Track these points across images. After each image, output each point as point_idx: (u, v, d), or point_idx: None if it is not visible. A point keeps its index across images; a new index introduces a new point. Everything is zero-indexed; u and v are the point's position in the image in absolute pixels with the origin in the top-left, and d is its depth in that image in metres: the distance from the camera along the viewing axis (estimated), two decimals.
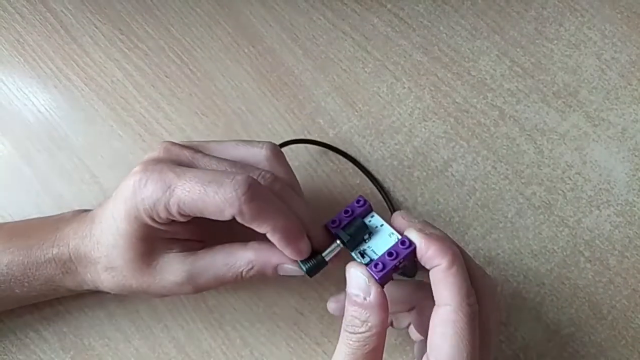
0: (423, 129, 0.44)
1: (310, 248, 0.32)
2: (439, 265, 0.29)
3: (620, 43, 0.47)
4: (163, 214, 0.31)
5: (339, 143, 0.43)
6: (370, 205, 0.34)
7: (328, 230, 0.33)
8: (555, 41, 0.47)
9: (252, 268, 0.33)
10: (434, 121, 0.44)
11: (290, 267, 0.33)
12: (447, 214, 0.42)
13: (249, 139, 0.43)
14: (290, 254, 0.32)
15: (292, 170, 0.35)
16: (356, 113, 0.45)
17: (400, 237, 0.31)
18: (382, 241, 0.32)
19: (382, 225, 0.33)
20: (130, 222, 0.32)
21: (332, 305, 0.35)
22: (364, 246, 0.32)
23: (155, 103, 0.44)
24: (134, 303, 0.40)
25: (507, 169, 0.43)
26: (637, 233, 0.42)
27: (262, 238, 0.32)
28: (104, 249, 0.33)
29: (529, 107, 0.45)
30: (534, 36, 0.47)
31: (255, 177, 0.31)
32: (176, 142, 0.34)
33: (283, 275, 0.33)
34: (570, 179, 0.43)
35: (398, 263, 0.30)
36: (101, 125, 0.44)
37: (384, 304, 0.30)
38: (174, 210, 0.30)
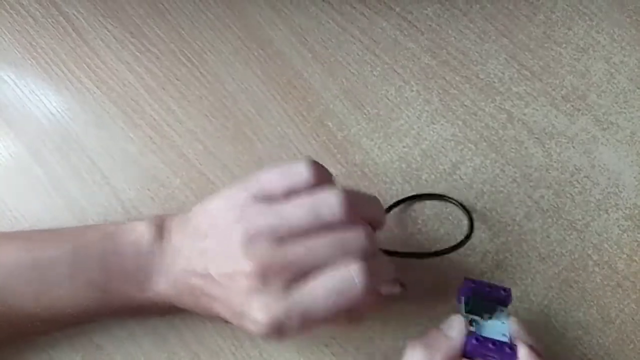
0: (431, 132, 0.44)
1: None
2: None
3: (629, 47, 0.47)
4: None
5: (348, 146, 0.44)
6: (510, 300, 0.35)
7: (465, 283, 0.35)
8: (564, 45, 0.47)
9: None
10: (442, 124, 0.45)
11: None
12: (455, 217, 0.42)
13: (258, 141, 0.44)
14: None
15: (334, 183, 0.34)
16: (364, 116, 0.45)
17: (509, 340, 0.32)
18: (494, 331, 0.33)
19: (504, 323, 0.34)
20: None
21: None
22: (478, 319, 0.34)
23: (165, 105, 0.45)
24: None
25: (515, 172, 0.43)
26: None
27: None
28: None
29: (537, 110, 0.45)
30: (542, 40, 0.47)
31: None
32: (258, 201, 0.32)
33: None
34: (578, 182, 0.43)
35: (492, 354, 0.31)
36: (112, 127, 0.44)
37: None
38: None
